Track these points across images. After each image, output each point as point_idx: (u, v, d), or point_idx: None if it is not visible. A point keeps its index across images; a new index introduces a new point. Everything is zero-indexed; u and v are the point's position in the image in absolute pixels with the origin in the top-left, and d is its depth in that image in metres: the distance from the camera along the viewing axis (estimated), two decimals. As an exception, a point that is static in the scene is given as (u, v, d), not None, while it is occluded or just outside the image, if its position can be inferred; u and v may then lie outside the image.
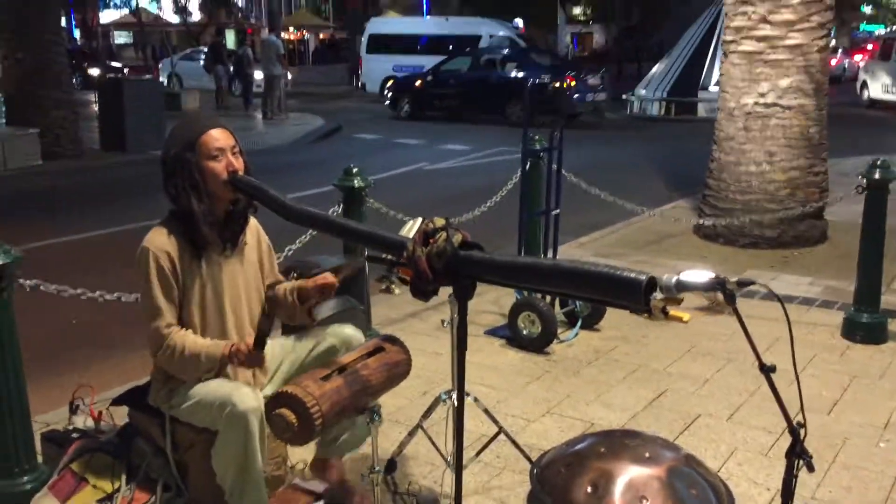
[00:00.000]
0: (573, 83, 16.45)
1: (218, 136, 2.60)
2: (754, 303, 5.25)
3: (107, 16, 43.69)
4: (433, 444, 3.09)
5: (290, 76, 22.95)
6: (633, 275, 1.99)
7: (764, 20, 6.40)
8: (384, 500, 3.01)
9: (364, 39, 25.17)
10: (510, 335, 4.62)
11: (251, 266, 2.77)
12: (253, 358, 2.55)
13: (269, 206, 2.66)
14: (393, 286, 2.28)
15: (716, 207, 6.80)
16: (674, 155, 12.46)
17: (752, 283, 2.01)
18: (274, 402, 2.45)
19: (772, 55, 6.42)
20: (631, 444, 3.00)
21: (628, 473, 2.85)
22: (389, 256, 2.50)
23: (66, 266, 6.14)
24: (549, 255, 4.88)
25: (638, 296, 1.96)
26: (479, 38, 22.81)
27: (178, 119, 2.81)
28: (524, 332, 4.52)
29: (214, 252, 2.66)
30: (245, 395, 2.54)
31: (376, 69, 23.64)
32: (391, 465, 3.19)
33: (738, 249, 6.64)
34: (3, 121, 12.33)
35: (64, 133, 12.28)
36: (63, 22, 40.12)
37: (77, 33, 45.45)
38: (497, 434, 3.15)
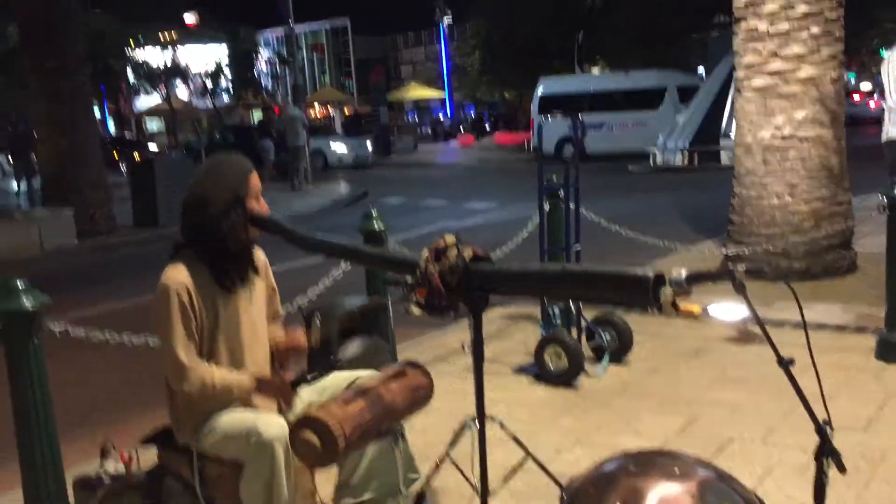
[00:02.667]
0: None
1: (257, 179, 2.74)
2: (784, 332, 5.19)
3: (139, 104, 45.16)
4: (459, 470, 3.07)
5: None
6: (640, 272, 2.01)
7: (774, 55, 6.47)
8: (415, 532, 2.98)
9: (535, 100, 24.84)
10: (538, 372, 4.60)
11: (260, 298, 2.84)
12: (284, 390, 2.61)
13: (288, 240, 2.74)
14: (412, 308, 2.29)
15: (740, 243, 6.77)
16: (699, 203, 12.45)
17: (762, 270, 2.02)
18: (297, 426, 2.47)
19: (785, 88, 6.47)
20: (661, 462, 2.96)
21: (659, 490, 2.81)
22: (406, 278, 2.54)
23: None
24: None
25: (646, 292, 1.99)
26: (664, 89, 22.66)
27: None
28: (551, 367, 4.50)
29: (235, 287, 2.72)
30: (270, 423, 2.57)
31: (550, 129, 22.41)
32: (420, 499, 3.17)
33: (766, 283, 6.56)
34: (40, 205, 12.73)
35: (99, 212, 12.62)
36: (97, 112, 41.69)
37: (111, 122, 47.00)
38: (525, 459, 3.13)
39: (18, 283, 2.71)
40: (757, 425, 3.80)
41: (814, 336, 2.25)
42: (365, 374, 2.96)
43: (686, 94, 21.46)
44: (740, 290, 1.95)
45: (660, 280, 2.00)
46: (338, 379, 2.97)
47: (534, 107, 24.97)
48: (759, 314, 2.08)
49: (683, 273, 1.99)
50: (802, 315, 2.11)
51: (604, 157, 21.85)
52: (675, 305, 1.98)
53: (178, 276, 2.62)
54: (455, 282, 2.33)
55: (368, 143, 28.21)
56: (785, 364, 2.11)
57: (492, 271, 2.30)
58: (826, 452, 2.19)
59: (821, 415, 2.17)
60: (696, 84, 22.40)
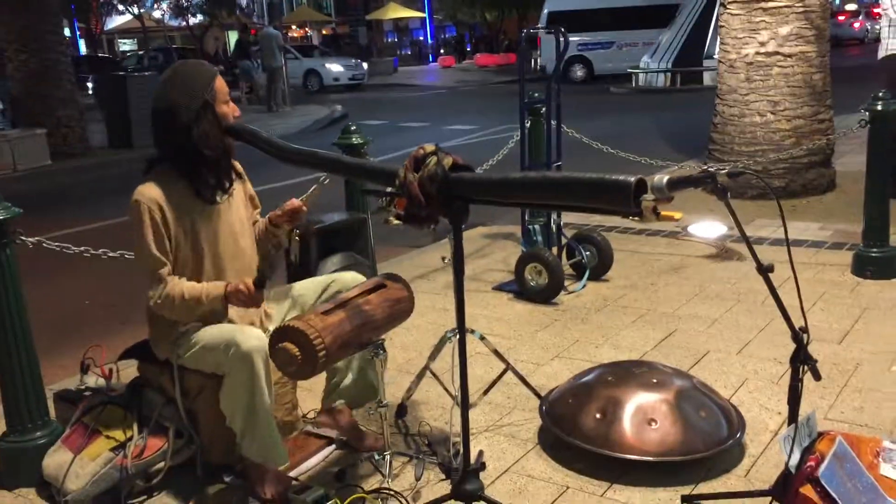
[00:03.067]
0: None
1: (223, 82, 2.66)
2: (763, 248, 5.24)
3: (109, 23, 43.81)
4: (439, 381, 3.10)
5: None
6: (622, 177, 1.99)
7: (760, -32, 6.35)
8: (396, 442, 3.02)
9: (542, 17, 23.62)
10: (518, 289, 4.61)
11: (241, 207, 2.80)
12: (253, 298, 2.57)
13: (262, 149, 2.69)
14: (391, 219, 2.26)
15: (721, 161, 6.75)
16: (680, 123, 12.37)
17: (743, 172, 2.00)
18: (277, 336, 2.46)
19: (770, 3, 6.36)
20: (638, 372, 3.01)
21: (636, 398, 2.87)
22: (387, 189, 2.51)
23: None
24: (554, 216, 4.87)
25: (628, 197, 1.96)
26: (675, 7, 21.03)
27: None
28: (531, 284, 4.51)
29: (213, 197, 2.68)
30: (249, 334, 2.56)
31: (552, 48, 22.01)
32: (401, 410, 3.21)
33: (746, 202, 6.59)
34: (9, 124, 12.44)
35: (71, 132, 12.39)
36: (67, 31, 40.47)
37: (82, 43, 45.68)
38: (505, 371, 3.16)
39: (-13, 195, 2.64)
40: (733, 339, 3.85)
41: (793, 252, 2.25)
42: (341, 276, 2.95)
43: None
44: (721, 193, 1.93)
45: (641, 186, 1.97)
46: (314, 283, 2.97)
47: (541, 23, 24.23)
48: (739, 221, 2.07)
49: (665, 178, 1.96)
50: (784, 220, 2.11)
51: (611, 76, 21.42)
52: (655, 211, 1.96)
53: (149, 192, 2.56)
54: (434, 190, 2.30)
55: (364, 64, 28.05)
56: (764, 270, 2.11)
57: (472, 179, 2.27)
58: (802, 359, 2.22)
59: (798, 323, 2.19)
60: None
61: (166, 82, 2.60)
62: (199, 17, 39.84)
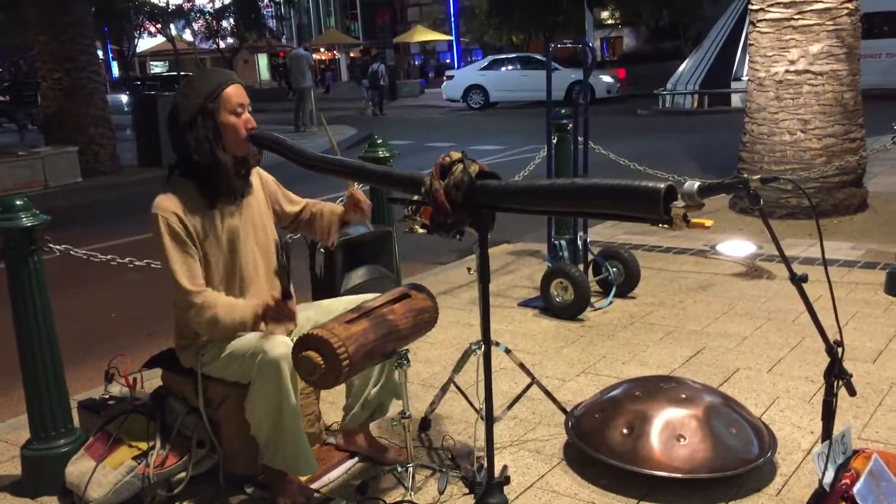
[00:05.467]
0: None
1: (238, 92, 2.62)
2: (794, 267, 5.14)
3: (142, 45, 44.57)
4: (463, 395, 3.06)
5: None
6: (651, 184, 1.96)
7: (791, -14, 6.30)
8: (419, 455, 2.99)
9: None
10: (543, 305, 4.57)
11: (262, 209, 2.78)
12: (283, 311, 2.55)
13: (288, 158, 2.68)
14: (415, 227, 2.23)
15: (751, 180, 6.67)
16: (709, 143, 12.30)
17: (777, 178, 1.95)
18: (300, 345, 2.44)
19: (801, 21, 6.31)
20: (666, 388, 2.95)
21: (665, 414, 2.81)
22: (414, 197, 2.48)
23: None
24: (581, 233, 4.83)
25: (657, 204, 1.93)
26: None
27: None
28: (557, 300, 4.47)
29: (227, 204, 2.66)
30: (276, 342, 2.54)
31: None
32: (425, 424, 3.17)
33: (775, 221, 6.51)
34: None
35: (102, 150, 12.56)
36: (101, 54, 41.19)
37: (115, 65, 46.51)
38: (530, 385, 3.12)
39: (17, 202, 2.66)
40: (763, 357, 3.78)
41: (822, 273, 2.20)
42: (370, 297, 2.93)
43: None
44: (754, 199, 1.89)
45: (671, 193, 1.94)
46: (343, 303, 2.94)
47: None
48: (772, 236, 2.03)
49: (695, 184, 1.92)
50: (819, 229, 2.06)
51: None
52: (685, 218, 1.93)
53: (165, 203, 2.55)
54: (460, 198, 2.28)
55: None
56: (797, 280, 2.06)
57: (498, 187, 2.24)
58: (836, 373, 2.16)
59: (832, 337, 2.13)
60: None
61: (181, 86, 2.64)
62: (230, 40, 40.40)
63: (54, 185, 11.53)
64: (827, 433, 2.21)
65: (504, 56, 26.38)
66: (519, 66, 24.48)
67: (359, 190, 2.79)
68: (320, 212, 2.93)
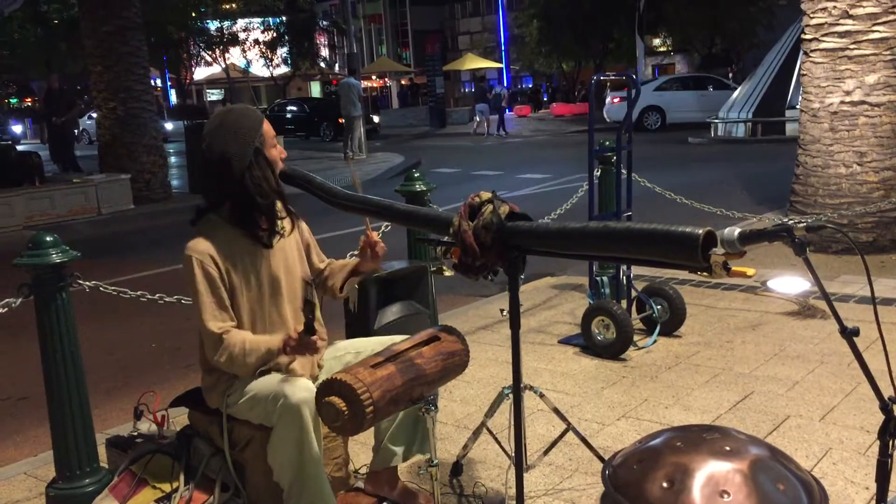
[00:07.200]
0: None
1: (269, 125, 2.60)
2: (849, 306, 4.94)
3: (199, 74, 45.64)
4: (496, 440, 2.96)
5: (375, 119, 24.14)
6: (689, 229, 1.84)
7: (846, 15, 6.12)
8: (448, 502, 2.88)
9: None
10: (584, 343, 4.44)
11: (294, 250, 2.73)
12: (305, 344, 2.48)
13: (316, 195, 2.64)
14: (444, 268, 2.19)
15: (803, 213, 6.47)
16: (761, 174, 12.03)
17: (823, 226, 1.82)
18: (324, 389, 2.36)
19: (856, 51, 6.12)
20: (710, 438, 2.79)
21: (707, 467, 2.64)
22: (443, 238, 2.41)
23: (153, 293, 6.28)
24: (624, 268, 4.70)
25: (695, 250, 1.82)
26: None
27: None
28: (598, 338, 4.33)
29: (264, 248, 2.62)
30: (297, 386, 2.48)
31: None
32: (457, 469, 3.06)
33: (830, 256, 6.29)
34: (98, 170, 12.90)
35: (154, 177, 12.77)
36: (159, 82, 42.26)
37: (172, 93, 47.68)
38: (566, 431, 2.99)
39: (47, 238, 2.65)
40: (816, 404, 3.59)
41: (881, 311, 2.06)
42: (400, 339, 2.85)
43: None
44: (799, 249, 1.76)
45: (710, 239, 1.82)
46: (373, 343, 2.87)
47: None
48: (819, 280, 1.89)
49: (736, 231, 1.81)
50: (870, 279, 1.92)
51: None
52: (726, 266, 1.81)
53: (200, 245, 2.51)
54: (489, 240, 2.19)
55: None
56: (849, 334, 1.92)
57: (528, 229, 2.15)
58: (891, 431, 2.01)
59: (887, 391, 1.99)
60: None
61: (216, 131, 2.54)
62: (283, 69, 41.13)
63: (107, 211, 11.75)
64: (882, 495, 2.06)
65: (682, 76, 26.01)
66: (694, 86, 23.77)
67: (374, 233, 2.70)
68: (331, 267, 2.86)
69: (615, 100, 23.69)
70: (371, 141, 24.27)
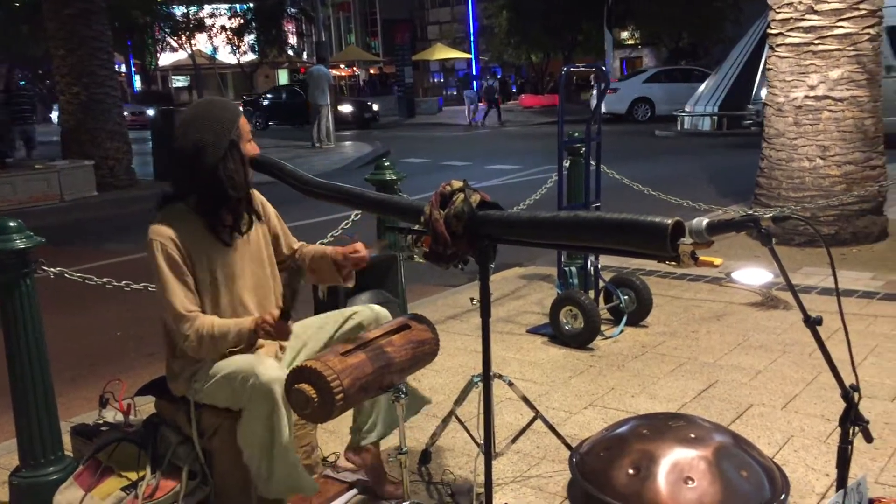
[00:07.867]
0: None
1: (245, 120, 2.59)
2: (811, 297, 5.03)
3: (164, 60, 45.02)
4: (465, 428, 2.97)
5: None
6: (657, 219, 1.87)
7: (811, 10, 6.20)
8: (417, 490, 2.89)
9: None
10: (552, 332, 4.47)
11: (262, 240, 2.71)
12: (279, 329, 2.46)
13: (287, 182, 2.62)
14: (415, 256, 2.17)
15: (767, 206, 6.56)
16: (727, 167, 12.17)
17: (789, 217, 1.86)
18: (294, 376, 2.36)
19: (820, 46, 6.20)
20: (675, 426, 2.83)
21: (673, 454, 2.68)
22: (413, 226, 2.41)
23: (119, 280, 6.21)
24: (591, 258, 4.74)
25: (664, 240, 1.84)
26: None
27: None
28: (566, 328, 4.37)
29: (226, 234, 2.60)
30: (268, 366, 2.47)
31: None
32: (425, 456, 3.08)
33: (793, 248, 6.38)
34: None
35: (118, 164, 12.60)
36: (123, 67, 41.59)
37: (137, 79, 46.96)
38: (533, 419, 3.02)
39: (10, 223, 2.61)
40: (778, 392, 3.66)
41: (843, 303, 2.10)
42: (362, 310, 2.84)
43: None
44: (765, 239, 1.80)
45: (678, 229, 1.85)
46: (335, 315, 2.85)
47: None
48: (784, 270, 1.93)
49: (704, 222, 1.83)
50: (834, 271, 1.96)
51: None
52: (693, 256, 1.83)
53: (163, 230, 2.49)
54: (461, 229, 2.20)
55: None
56: (812, 323, 1.96)
57: (499, 218, 2.16)
58: (852, 419, 2.06)
59: (848, 380, 2.03)
60: None
61: (192, 121, 2.51)
62: (251, 56, 40.72)
63: (70, 198, 11.57)
64: (842, 482, 2.11)
65: (669, 68, 26.06)
66: (683, 78, 23.88)
67: (365, 250, 2.70)
68: (302, 252, 2.83)
69: (609, 92, 23.91)
70: (369, 130, 24.41)
